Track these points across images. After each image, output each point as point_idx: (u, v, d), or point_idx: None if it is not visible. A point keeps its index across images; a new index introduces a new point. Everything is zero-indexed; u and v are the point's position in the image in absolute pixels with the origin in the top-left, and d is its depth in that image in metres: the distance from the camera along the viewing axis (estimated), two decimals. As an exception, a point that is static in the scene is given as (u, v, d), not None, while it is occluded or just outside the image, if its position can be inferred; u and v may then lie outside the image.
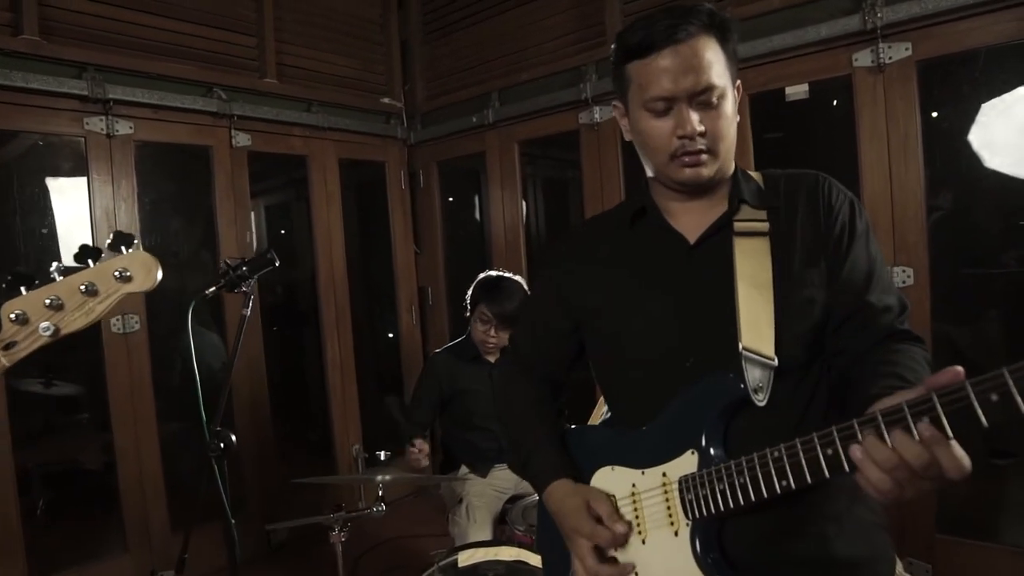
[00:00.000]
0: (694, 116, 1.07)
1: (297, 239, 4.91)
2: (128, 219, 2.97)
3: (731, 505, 0.99)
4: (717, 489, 1.00)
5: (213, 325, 3.59)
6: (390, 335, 4.38)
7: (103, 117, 2.90)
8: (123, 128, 2.96)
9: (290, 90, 3.62)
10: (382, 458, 1.80)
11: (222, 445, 1.71)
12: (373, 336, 4.62)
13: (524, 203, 3.81)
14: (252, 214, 5.24)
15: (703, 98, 1.07)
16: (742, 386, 1.04)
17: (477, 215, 4.63)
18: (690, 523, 1.05)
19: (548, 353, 1.34)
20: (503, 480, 2.47)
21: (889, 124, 2.65)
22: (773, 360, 1.04)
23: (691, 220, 1.17)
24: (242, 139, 3.39)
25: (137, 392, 2.96)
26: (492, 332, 2.42)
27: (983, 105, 2.64)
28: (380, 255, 4.25)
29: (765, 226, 1.13)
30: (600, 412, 1.55)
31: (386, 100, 4.13)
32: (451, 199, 4.36)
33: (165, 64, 3.12)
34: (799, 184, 1.17)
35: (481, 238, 4.64)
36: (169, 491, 3.09)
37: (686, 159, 1.10)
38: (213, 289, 1.85)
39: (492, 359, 2.56)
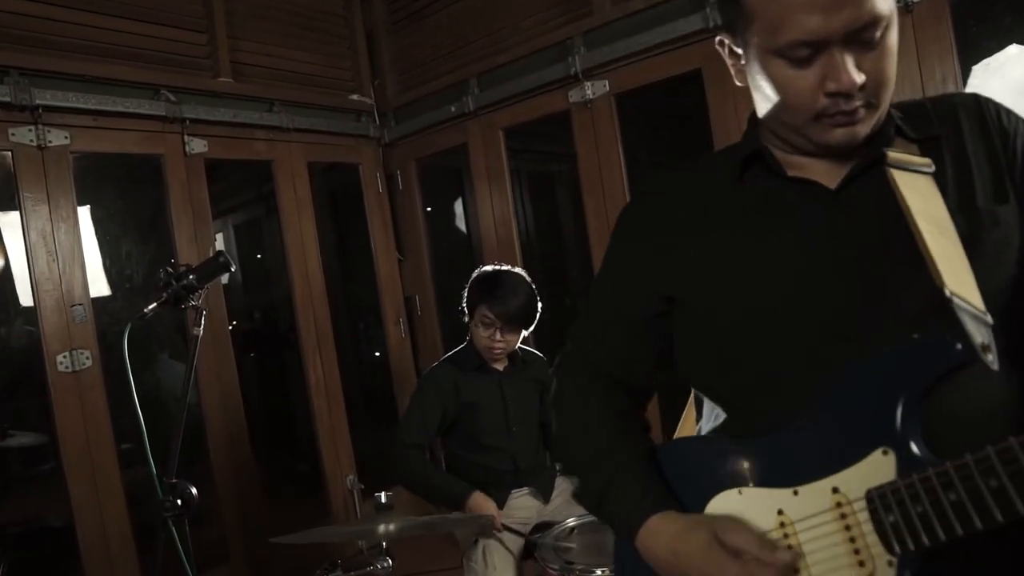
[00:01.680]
0: (850, 63, 0.77)
1: (270, 257, 4.56)
2: (70, 241, 2.60)
3: (965, 527, 0.66)
4: (945, 500, 0.67)
5: (185, 354, 3.23)
6: (377, 352, 4.02)
7: (32, 127, 2.53)
8: (57, 138, 2.59)
9: (248, 89, 3.27)
10: (383, 500, 1.45)
11: (179, 501, 1.36)
12: (359, 354, 4.27)
13: (513, 197, 3.48)
14: (220, 235, 4.94)
15: (865, 35, 0.76)
16: (959, 346, 0.71)
17: (462, 214, 4.31)
18: (895, 560, 0.71)
19: (627, 352, 1.01)
20: (523, 508, 2.14)
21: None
22: (985, 314, 0.72)
23: (822, 166, 0.87)
24: (197, 145, 3.03)
25: (94, 438, 2.58)
26: (497, 336, 2.09)
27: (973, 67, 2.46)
28: (360, 265, 3.90)
29: (927, 161, 0.83)
30: (689, 426, 1.20)
31: (355, 97, 3.79)
32: (434, 199, 4.03)
33: (103, 65, 2.76)
34: (954, 108, 0.87)
35: (469, 238, 4.31)
36: (141, 547, 2.70)
37: (839, 118, 0.80)
38: (154, 306, 1.51)
39: (500, 367, 2.22)
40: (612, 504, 0.92)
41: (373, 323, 4.03)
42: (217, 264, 1.53)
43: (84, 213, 2.70)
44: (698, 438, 1.03)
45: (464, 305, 2.19)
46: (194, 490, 1.39)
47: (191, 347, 1.55)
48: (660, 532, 0.86)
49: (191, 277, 1.50)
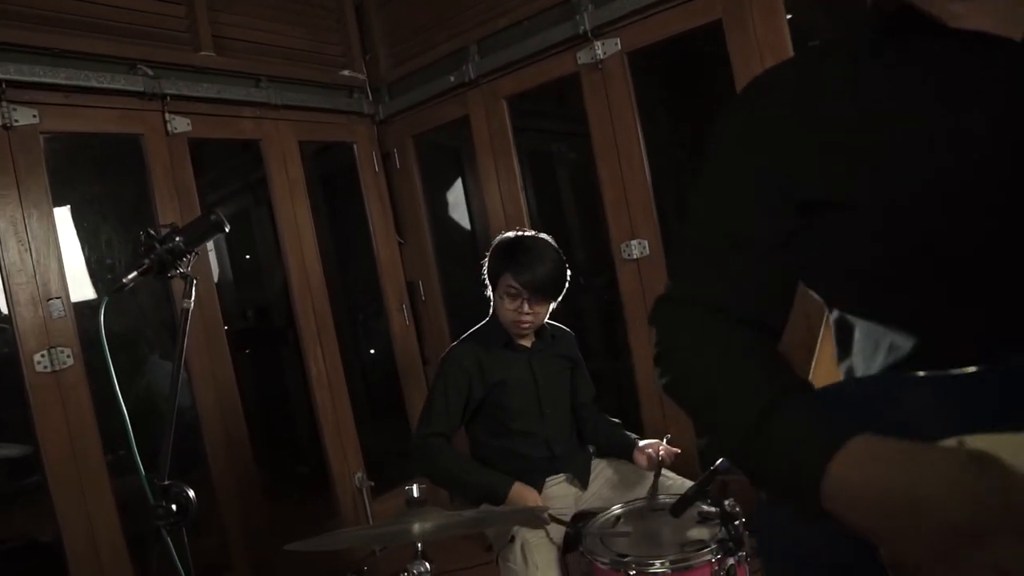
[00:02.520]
0: None
1: (263, 251, 4.34)
2: (43, 230, 2.37)
3: None
4: None
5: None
6: (380, 342, 3.81)
7: (-5, 104, 2.30)
8: (24, 117, 2.36)
9: (232, 64, 3.04)
10: (415, 495, 1.24)
11: (173, 507, 1.15)
12: (361, 345, 4.06)
13: (520, 172, 3.26)
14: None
15: None
16: None
17: (465, 191, 4.10)
18: None
19: (757, 284, 0.77)
20: (561, 496, 1.93)
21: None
22: None
23: (998, 7, 0.66)
24: (179, 123, 2.80)
25: (79, 443, 2.36)
26: (525, 308, 1.88)
27: None
28: (359, 251, 3.69)
29: None
30: (827, 368, 0.97)
31: (346, 72, 3.57)
32: (434, 178, 3.81)
33: (73, 38, 2.53)
34: None
35: (472, 218, 4.10)
36: (135, 560, 2.49)
37: None
38: (134, 275, 1.29)
39: (528, 343, 2.01)
40: (777, 434, 0.65)
41: (375, 311, 3.82)
42: (208, 223, 1.31)
43: (58, 199, 2.47)
44: (881, 376, 0.75)
45: (485, 275, 1.97)
46: (191, 493, 1.18)
47: (181, 322, 1.33)
48: (877, 456, 0.59)
49: (178, 239, 1.28)
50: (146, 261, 1.27)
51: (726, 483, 1.57)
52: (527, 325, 1.90)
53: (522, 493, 1.75)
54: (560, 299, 1.97)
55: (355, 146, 3.57)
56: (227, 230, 1.33)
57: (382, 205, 3.64)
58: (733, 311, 0.77)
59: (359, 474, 3.28)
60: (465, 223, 4.16)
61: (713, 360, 0.75)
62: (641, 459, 1.90)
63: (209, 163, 4.17)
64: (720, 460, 1.55)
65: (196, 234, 1.31)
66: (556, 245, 1.94)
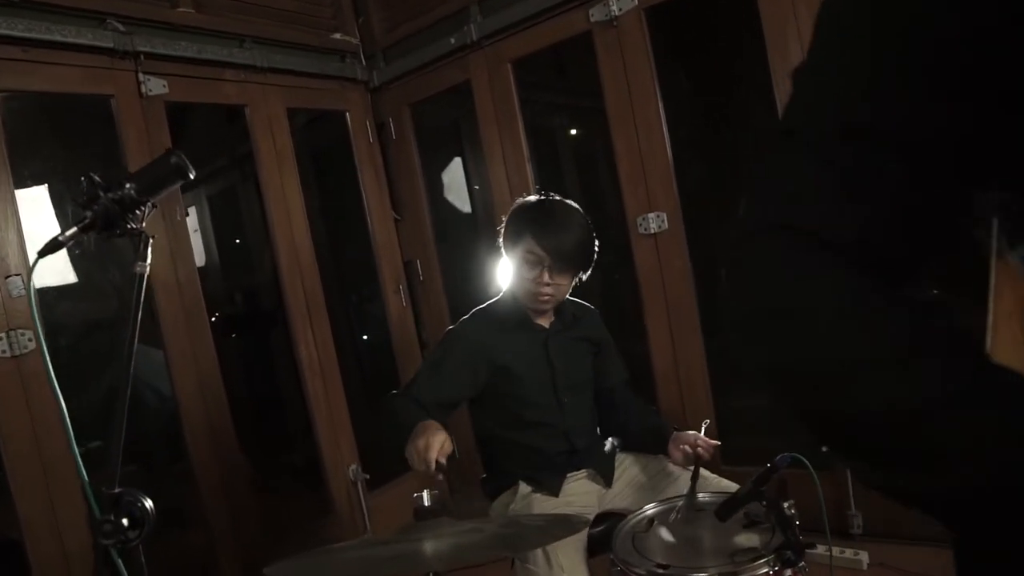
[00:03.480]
0: None
1: (251, 232, 4.10)
2: (1, 201, 2.12)
3: None
4: None
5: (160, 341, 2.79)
6: (376, 325, 3.58)
7: (-57, 57, 2.05)
8: (-23, 73, 2.11)
9: (213, 22, 2.79)
10: (426, 502, 1.02)
11: (125, 521, 0.92)
12: (356, 328, 3.83)
13: (527, 142, 3.03)
14: (192, 208, 4.46)
15: None
16: None
17: (465, 165, 3.86)
18: None
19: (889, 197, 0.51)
20: (582, 494, 1.72)
21: None
22: None
23: None
24: (155, 85, 2.54)
25: (43, 435, 2.12)
26: (545, 278, 1.64)
27: None
28: (353, 228, 3.45)
29: None
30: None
31: (338, 35, 3.31)
32: (432, 149, 3.57)
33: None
34: None
35: (471, 194, 3.87)
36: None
37: None
38: (74, 230, 1.06)
39: (546, 323, 1.79)
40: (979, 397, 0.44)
41: (370, 293, 3.59)
42: (167, 167, 1.07)
43: (18, 166, 2.22)
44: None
45: (501, 241, 1.74)
46: (148, 503, 0.95)
47: (136, 291, 1.09)
48: None
49: (128, 187, 1.04)
50: (88, 214, 1.03)
51: (784, 482, 1.36)
52: (546, 298, 1.67)
53: (425, 427, 1.39)
54: (586, 274, 1.74)
55: (347, 115, 3.32)
56: (191, 177, 1.09)
57: (377, 179, 3.40)
58: (852, 249, 0.51)
59: (353, 466, 3.06)
60: (465, 199, 3.92)
61: (848, 305, 0.50)
62: (676, 455, 1.68)
63: (192, 135, 3.92)
64: (780, 456, 1.34)
65: (152, 180, 1.07)
66: (585, 215, 1.71)
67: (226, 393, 2.70)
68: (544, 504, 1.65)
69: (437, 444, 1.31)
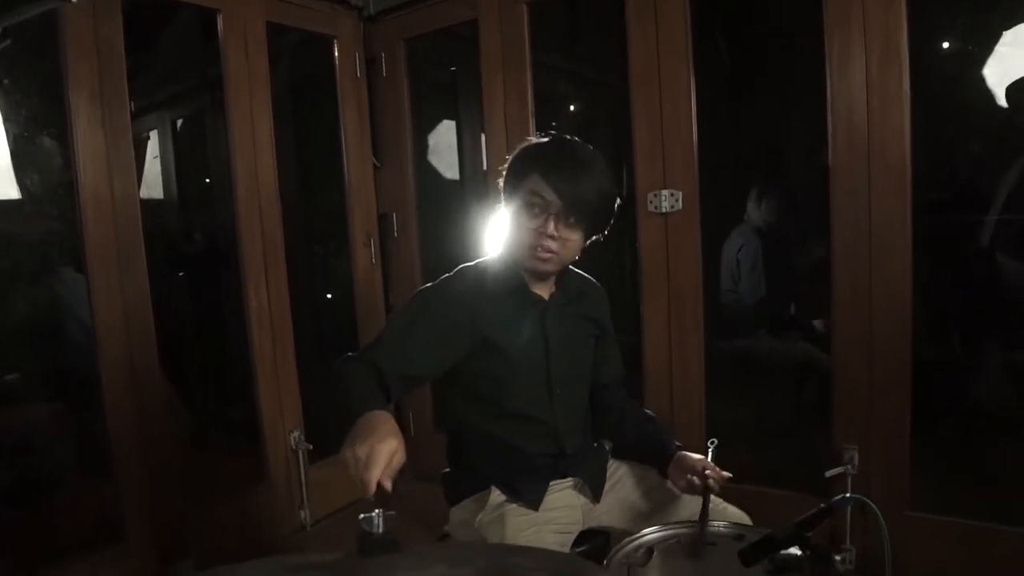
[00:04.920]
0: None
1: (217, 164, 3.71)
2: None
3: None
4: None
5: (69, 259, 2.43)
6: (339, 282, 3.24)
7: None
8: None
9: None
10: (376, 526, 0.72)
11: None
12: (317, 282, 3.48)
13: (533, 94, 2.69)
14: (155, 132, 4.05)
15: None
16: None
17: (457, 120, 3.52)
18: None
19: None
20: (565, 507, 1.42)
21: None
22: None
23: None
24: (110, -35, 2.16)
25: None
26: (550, 228, 1.32)
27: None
28: (325, 169, 3.09)
29: None
30: None
31: (333, -50, 2.94)
32: (424, 95, 3.21)
33: None
34: None
35: (462, 144, 3.53)
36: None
37: None
38: None
39: (544, 292, 1.46)
40: None
41: (336, 246, 3.24)
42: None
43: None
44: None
45: (502, 185, 1.41)
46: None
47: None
48: None
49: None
50: None
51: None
52: (548, 255, 1.34)
53: (373, 425, 1.03)
54: (601, 234, 1.42)
55: (335, 42, 2.95)
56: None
57: (360, 118, 3.04)
58: None
59: (296, 433, 2.73)
60: (454, 156, 3.59)
61: None
62: (679, 481, 1.37)
63: (159, 53, 3.53)
64: (839, 496, 1.06)
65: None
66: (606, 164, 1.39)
67: (157, 333, 2.34)
68: (520, 520, 1.33)
69: (382, 458, 0.96)
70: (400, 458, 0.99)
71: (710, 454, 1.42)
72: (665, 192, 2.35)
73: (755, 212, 3.17)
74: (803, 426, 2.77)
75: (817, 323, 2.97)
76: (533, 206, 1.32)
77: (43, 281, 2.68)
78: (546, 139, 1.39)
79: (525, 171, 1.33)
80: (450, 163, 3.64)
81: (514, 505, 1.37)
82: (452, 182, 3.64)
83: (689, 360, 2.42)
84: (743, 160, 2.92)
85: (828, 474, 2.19)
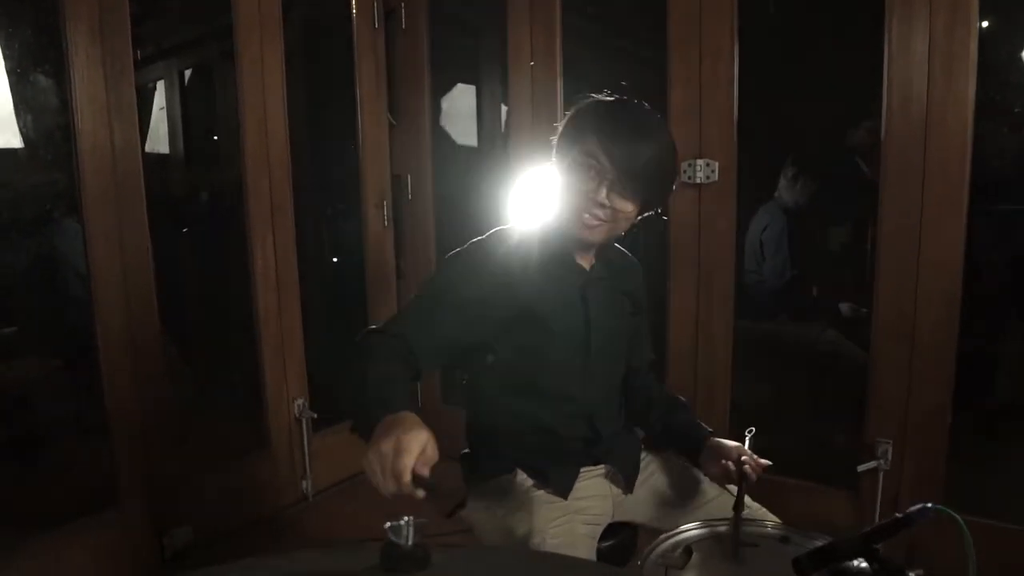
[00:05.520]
0: None
1: (226, 119, 3.58)
2: None
3: None
4: None
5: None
6: (349, 244, 3.11)
7: None
8: None
9: None
10: (406, 536, 0.59)
11: None
12: (327, 244, 3.35)
13: (562, 53, 2.53)
14: (161, 82, 3.90)
15: None
16: None
17: (477, 82, 3.36)
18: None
19: None
20: (595, 496, 1.30)
21: None
22: None
23: None
24: None
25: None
26: (602, 195, 1.17)
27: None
28: (338, 125, 2.94)
29: None
30: None
31: None
32: (445, 51, 3.04)
33: None
34: None
35: (480, 104, 3.36)
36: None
37: None
38: None
39: (586, 264, 1.32)
40: None
41: (347, 207, 3.11)
42: None
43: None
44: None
45: (555, 145, 1.26)
46: None
47: None
48: None
49: None
50: None
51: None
52: (597, 224, 1.19)
53: (396, 422, 0.88)
54: (656, 209, 1.28)
55: (353, -9, 2.78)
56: None
57: (376, 73, 2.88)
58: None
59: (300, 401, 2.62)
60: (472, 119, 3.43)
61: None
62: (714, 469, 1.25)
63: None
64: (918, 506, 0.93)
65: None
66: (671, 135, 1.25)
67: (159, 291, 2.23)
68: (549, 508, 1.22)
69: (415, 449, 0.83)
70: (433, 451, 0.85)
71: (747, 443, 1.30)
72: (700, 162, 2.20)
73: (787, 190, 3.01)
74: (831, 416, 2.65)
75: (844, 307, 2.86)
76: (585, 169, 1.17)
77: (43, 232, 2.57)
78: (608, 100, 1.24)
79: (581, 131, 1.19)
80: (468, 127, 3.48)
81: (542, 492, 1.25)
82: (470, 147, 3.48)
83: (716, 342, 2.30)
84: (781, 132, 2.76)
85: (860, 468, 2.08)
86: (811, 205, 3.00)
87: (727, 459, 1.22)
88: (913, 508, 0.91)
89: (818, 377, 2.76)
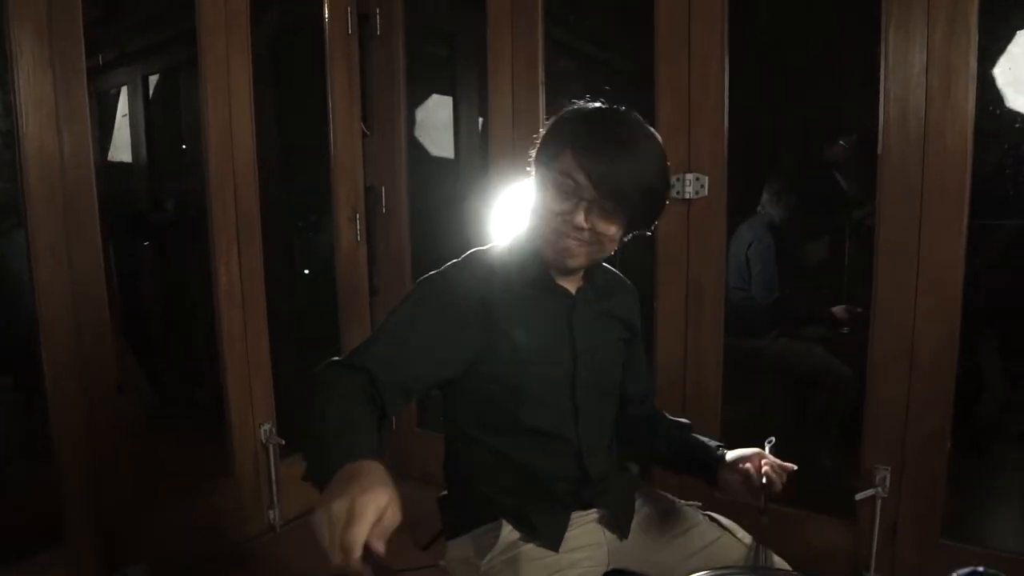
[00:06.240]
0: None
1: (191, 125, 3.43)
2: None
3: None
4: None
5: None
6: (319, 260, 2.97)
7: None
8: None
9: None
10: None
11: None
12: (296, 260, 3.20)
13: (544, 58, 2.43)
14: (125, 88, 3.75)
15: None
16: None
17: (453, 91, 3.26)
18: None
19: None
20: (588, 545, 1.17)
21: None
22: None
23: None
24: None
25: None
26: (580, 218, 1.06)
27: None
28: (309, 134, 2.81)
29: None
30: None
31: None
32: (420, 60, 2.93)
33: None
34: None
35: (457, 111, 3.26)
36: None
37: None
38: None
39: (572, 287, 1.20)
40: None
41: (317, 220, 2.97)
42: None
43: None
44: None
45: (532, 158, 1.16)
46: None
47: None
48: None
49: None
50: None
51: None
52: (575, 246, 1.08)
53: (355, 475, 0.74)
54: (645, 230, 1.17)
55: (325, -6, 2.66)
56: None
57: (349, 80, 2.76)
58: None
59: (267, 426, 2.47)
60: (449, 129, 3.31)
61: None
62: (734, 477, 1.14)
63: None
64: (974, 568, 0.82)
65: None
66: (661, 142, 1.14)
67: (113, 308, 2.08)
68: (537, 567, 1.09)
69: (370, 512, 0.68)
70: (393, 516, 0.71)
71: (768, 451, 1.20)
72: (690, 176, 2.11)
73: (772, 205, 2.94)
74: (823, 439, 2.56)
75: (838, 310, 2.79)
76: (561, 189, 1.06)
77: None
78: (590, 107, 1.12)
79: (558, 144, 1.07)
80: (444, 137, 3.37)
81: (530, 545, 1.12)
82: (446, 159, 3.37)
83: (706, 360, 2.20)
84: (770, 145, 2.69)
85: (858, 497, 1.99)
86: (795, 220, 2.94)
87: (748, 464, 1.12)
88: (963, 571, 0.81)
89: (811, 399, 2.68)
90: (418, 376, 1.06)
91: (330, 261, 2.80)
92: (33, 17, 1.80)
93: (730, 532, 1.22)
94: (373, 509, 0.69)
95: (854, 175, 2.96)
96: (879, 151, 1.89)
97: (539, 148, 1.12)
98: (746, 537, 1.22)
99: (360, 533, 0.67)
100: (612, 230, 1.09)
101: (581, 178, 1.05)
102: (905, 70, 1.82)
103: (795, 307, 2.92)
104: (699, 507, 1.30)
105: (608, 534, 1.21)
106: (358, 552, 0.67)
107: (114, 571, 2.05)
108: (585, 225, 1.06)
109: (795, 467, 1.14)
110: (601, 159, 1.04)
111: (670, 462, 1.31)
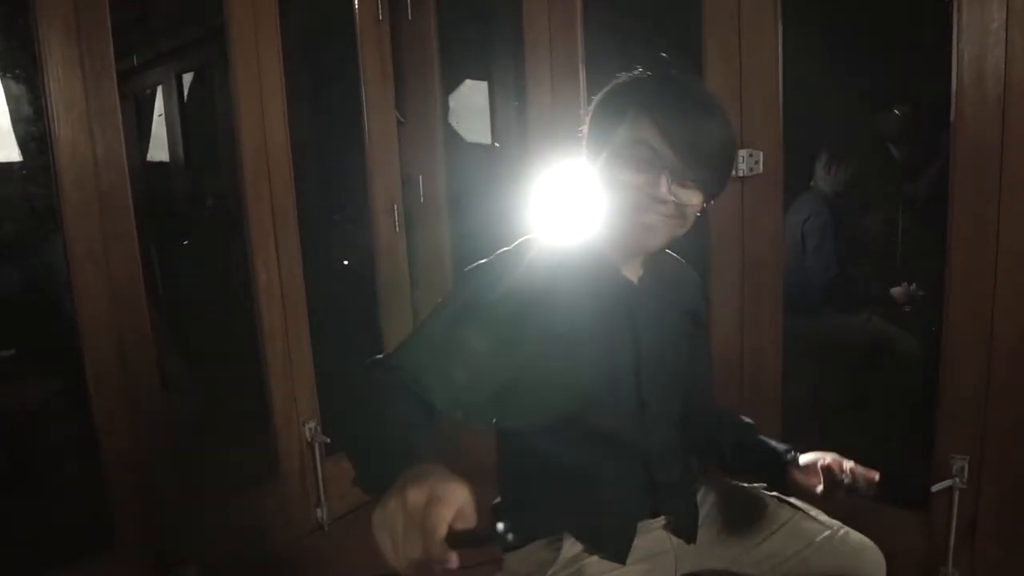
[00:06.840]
0: None
1: (225, 121, 3.42)
2: None
3: None
4: None
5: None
6: (358, 253, 2.91)
7: None
8: None
9: None
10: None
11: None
12: (334, 254, 3.16)
13: (584, 39, 2.32)
14: (160, 87, 3.76)
15: None
16: None
17: (488, 74, 3.16)
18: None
19: None
20: (659, 558, 1.08)
21: None
22: None
23: None
24: None
25: None
26: (663, 189, 0.96)
27: None
28: (343, 125, 2.75)
29: None
30: None
31: None
32: (455, 44, 2.84)
33: None
34: None
35: (496, 100, 3.17)
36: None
37: None
38: None
39: (634, 276, 1.10)
40: None
41: (355, 212, 2.91)
42: None
43: None
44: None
45: (585, 134, 1.04)
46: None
47: None
48: None
49: None
50: None
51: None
52: (657, 221, 0.98)
53: (424, 472, 0.66)
54: (718, 196, 1.07)
55: (354, -21, 2.59)
56: None
57: (381, 68, 2.68)
58: None
59: (311, 424, 2.43)
60: (485, 115, 3.23)
61: None
62: (809, 480, 1.06)
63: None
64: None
65: None
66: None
67: (156, 308, 2.05)
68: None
69: (453, 501, 0.61)
70: (471, 514, 0.63)
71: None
72: (743, 152, 1.98)
73: (825, 179, 2.80)
74: (891, 422, 2.43)
75: (897, 291, 2.68)
76: (638, 159, 0.96)
77: (37, 249, 2.43)
78: (651, 73, 1.03)
79: (625, 112, 0.98)
80: (481, 123, 3.28)
81: (595, 558, 1.04)
82: (484, 144, 3.29)
83: (764, 347, 2.08)
84: (823, 116, 2.54)
85: (934, 488, 1.86)
86: (849, 193, 2.80)
87: (828, 463, 1.07)
88: None
89: (877, 386, 2.55)
90: (469, 378, 0.98)
91: (369, 254, 2.75)
92: (61, 15, 1.76)
93: (803, 511, 1.15)
94: (456, 495, 0.62)
95: (908, 145, 2.82)
96: (951, 118, 1.75)
97: (597, 121, 1.03)
98: (820, 514, 1.15)
99: (445, 513, 0.60)
100: (695, 199, 1.00)
101: (660, 144, 0.95)
102: (982, 26, 1.66)
103: (853, 286, 2.78)
104: (763, 488, 1.21)
105: (674, 539, 1.12)
106: (443, 532, 0.59)
107: (166, 574, 2.04)
108: (669, 197, 0.97)
109: (877, 475, 1.05)
110: (682, 122, 0.95)
111: (736, 464, 1.21)
